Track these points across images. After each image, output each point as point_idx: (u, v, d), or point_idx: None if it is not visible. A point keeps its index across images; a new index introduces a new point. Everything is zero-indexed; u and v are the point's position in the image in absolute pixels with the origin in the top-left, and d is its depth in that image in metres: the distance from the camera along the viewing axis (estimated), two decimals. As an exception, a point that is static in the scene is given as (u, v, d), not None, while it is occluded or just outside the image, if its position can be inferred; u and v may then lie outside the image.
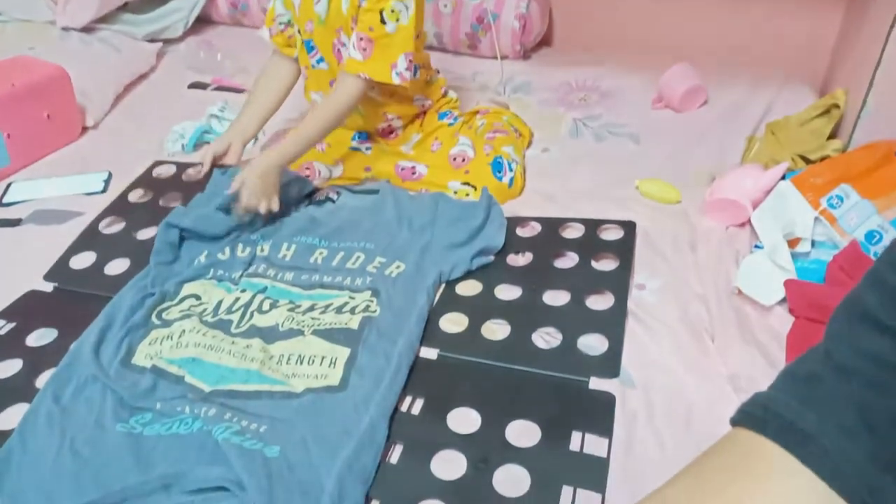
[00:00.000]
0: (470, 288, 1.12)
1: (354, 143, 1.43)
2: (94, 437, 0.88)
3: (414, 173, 1.36)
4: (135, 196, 1.39)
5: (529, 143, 1.51)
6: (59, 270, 1.21)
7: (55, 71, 1.58)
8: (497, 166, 1.32)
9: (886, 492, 0.35)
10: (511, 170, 1.32)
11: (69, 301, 1.15)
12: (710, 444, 0.82)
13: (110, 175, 1.50)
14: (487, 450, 0.85)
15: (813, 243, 1.10)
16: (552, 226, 1.23)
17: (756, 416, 0.40)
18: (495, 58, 1.83)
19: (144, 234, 1.29)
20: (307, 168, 1.38)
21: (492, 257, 1.17)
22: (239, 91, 1.83)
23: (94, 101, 1.70)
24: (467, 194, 1.31)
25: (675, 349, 0.98)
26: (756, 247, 1.15)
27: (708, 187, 1.27)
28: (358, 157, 1.41)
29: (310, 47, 1.34)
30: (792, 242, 1.09)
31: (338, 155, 1.41)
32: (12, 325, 1.09)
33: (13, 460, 0.85)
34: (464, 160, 1.34)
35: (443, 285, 1.13)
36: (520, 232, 1.23)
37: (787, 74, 1.68)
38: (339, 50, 1.30)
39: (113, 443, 0.87)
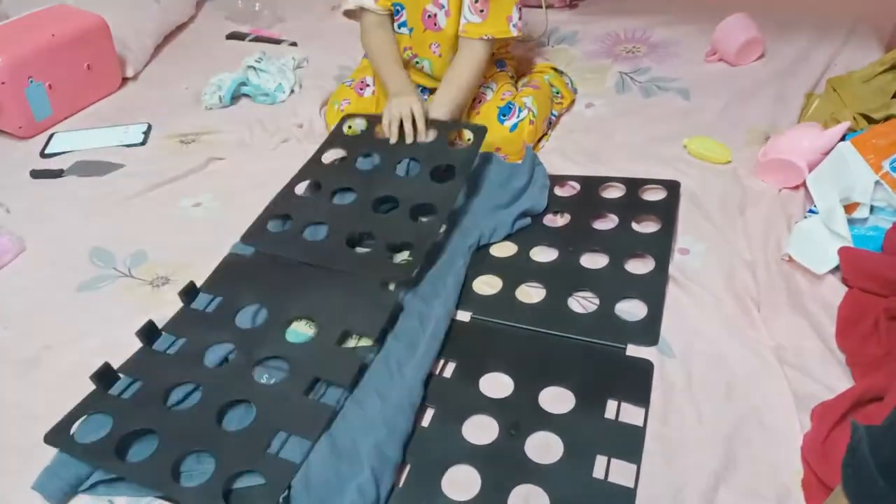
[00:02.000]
0: (505, 249, 1.09)
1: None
2: None
3: None
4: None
5: (569, 107, 1.45)
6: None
7: (95, 20, 1.57)
8: (505, 110, 1.28)
9: None
10: (518, 116, 1.27)
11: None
12: (750, 417, 0.81)
13: (149, 127, 1.50)
14: (520, 415, 0.84)
15: (872, 209, 1.04)
16: (592, 185, 1.19)
17: None
18: (540, 6, 1.76)
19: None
20: None
21: (529, 219, 1.13)
22: (276, 41, 1.80)
23: (133, 51, 1.70)
24: (469, 139, 1.28)
25: (717, 317, 0.94)
26: (810, 211, 1.09)
27: (761, 147, 1.21)
28: None
29: (395, 11, 1.32)
30: (849, 207, 1.04)
31: None
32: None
33: None
34: (479, 101, 1.32)
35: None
36: (558, 191, 1.19)
37: (851, 26, 1.57)
38: (429, 16, 1.28)
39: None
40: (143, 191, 1.30)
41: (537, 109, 1.29)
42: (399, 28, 1.33)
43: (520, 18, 1.25)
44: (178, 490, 0.78)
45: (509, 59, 1.43)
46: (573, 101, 1.46)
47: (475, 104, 1.32)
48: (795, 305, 0.95)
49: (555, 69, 1.47)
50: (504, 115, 1.27)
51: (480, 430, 0.83)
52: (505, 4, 1.22)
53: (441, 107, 1.22)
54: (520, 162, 1.21)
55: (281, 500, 0.75)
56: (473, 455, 0.80)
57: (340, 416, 0.84)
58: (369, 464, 0.77)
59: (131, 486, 0.79)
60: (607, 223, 1.12)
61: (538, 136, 1.32)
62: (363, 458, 0.78)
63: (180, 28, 1.91)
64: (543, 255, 1.08)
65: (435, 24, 1.28)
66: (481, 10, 1.23)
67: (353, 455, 0.79)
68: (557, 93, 1.42)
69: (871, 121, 1.20)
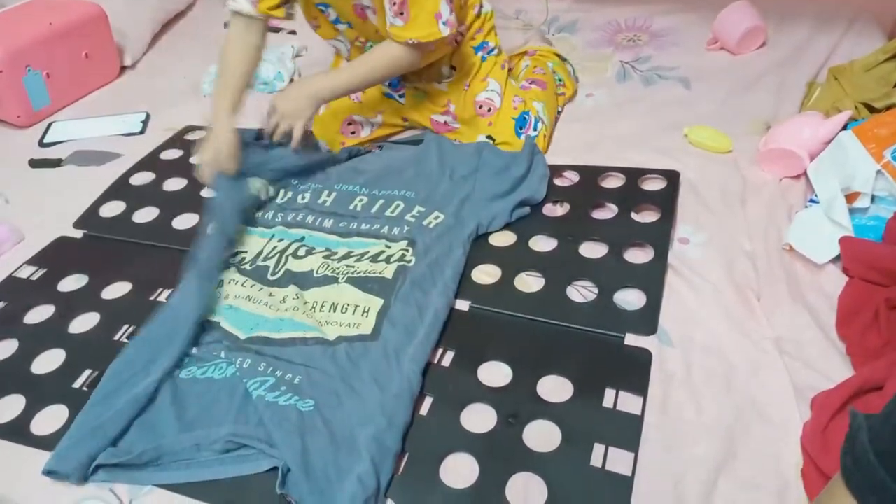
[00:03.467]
0: (504, 238, 1.09)
1: (387, 90, 1.36)
2: None
3: (446, 125, 1.32)
4: (166, 154, 1.38)
5: (572, 98, 1.44)
6: (88, 218, 1.22)
7: (92, 9, 1.57)
8: (521, 122, 1.26)
9: None
10: (534, 128, 1.26)
11: (99, 247, 1.17)
12: (749, 407, 0.80)
13: (148, 116, 1.50)
14: (518, 404, 0.84)
15: (873, 198, 1.03)
16: (591, 175, 1.18)
17: None
18: (540, -5, 1.75)
19: (172, 186, 1.28)
20: (349, 123, 1.34)
21: (528, 208, 1.13)
22: (275, 30, 1.79)
23: (131, 39, 1.69)
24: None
25: (717, 307, 0.94)
26: (811, 201, 1.08)
27: (762, 136, 1.20)
28: (393, 105, 1.36)
29: (324, 6, 1.25)
30: (850, 197, 1.03)
31: (374, 104, 1.35)
32: (43, 270, 1.12)
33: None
34: (489, 110, 1.28)
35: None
36: (557, 181, 1.18)
37: (853, 14, 1.56)
38: (362, 9, 1.20)
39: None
40: (141, 180, 1.30)
41: (548, 118, 1.29)
42: (337, 24, 1.25)
43: (451, 12, 1.09)
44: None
45: (492, 39, 1.33)
46: (575, 92, 1.45)
47: (485, 113, 1.28)
48: (796, 295, 0.94)
49: (558, 55, 1.46)
50: (521, 129, 1.25)
51: (479, 418, 0.83)
52: (427, 1, 1.06)
53: (319, 78, 1.16)
54: (517, 151, 1.20)
55: (278, 491, 0.75)
56: (472, 443, 0.80)
57: (338, 405, 0.84)
58: (369, 454, 0.76)
59: (129, 472, 0.80)
60: (607, 213, 1.12)
61: (549, 142, 1.31)
62: (362, 449, 0.77)
63: (179, 16, 1.91)
64: (542, 244, 1.07)
65: (367, 18, 1.21)
66: (401, 13, 1.07)
67: (352, 445, 0.79)
68: (560, 80, 1.40)
69: (872, 110, 1.19)
